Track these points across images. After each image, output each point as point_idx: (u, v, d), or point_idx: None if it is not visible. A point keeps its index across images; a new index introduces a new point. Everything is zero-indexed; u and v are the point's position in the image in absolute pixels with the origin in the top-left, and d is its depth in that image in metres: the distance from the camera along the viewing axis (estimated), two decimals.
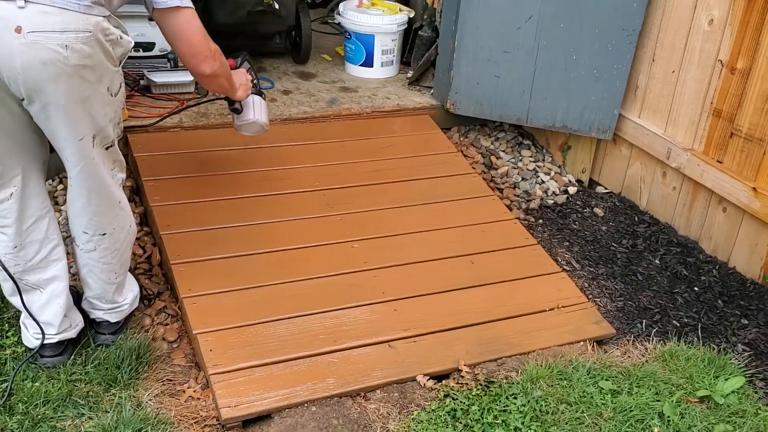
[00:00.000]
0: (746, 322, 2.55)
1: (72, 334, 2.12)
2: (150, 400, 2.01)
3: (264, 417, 1.99)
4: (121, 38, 1.82)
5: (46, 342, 2.06)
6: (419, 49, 3.74)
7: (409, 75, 3.75)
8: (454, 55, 3.23)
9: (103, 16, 1.75)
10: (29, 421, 1.89)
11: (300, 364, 2.12)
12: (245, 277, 2.39)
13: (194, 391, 2.08)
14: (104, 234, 2.02)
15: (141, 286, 2.32)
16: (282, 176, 2.94)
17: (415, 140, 3.28)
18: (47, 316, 2.04)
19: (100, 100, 1.81)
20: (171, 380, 2.12)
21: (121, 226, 2.07)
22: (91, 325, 2.20)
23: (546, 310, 2.46)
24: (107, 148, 1.93)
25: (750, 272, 2.75)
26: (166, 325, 2.33)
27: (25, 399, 1.94)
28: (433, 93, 3.57)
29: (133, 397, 2.01)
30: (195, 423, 1.97)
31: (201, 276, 2.37)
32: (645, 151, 3.13)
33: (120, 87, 1.89)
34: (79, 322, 2.15)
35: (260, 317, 2.25)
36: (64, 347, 2.11)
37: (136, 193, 2.88)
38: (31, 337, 2.08)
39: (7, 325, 2.18)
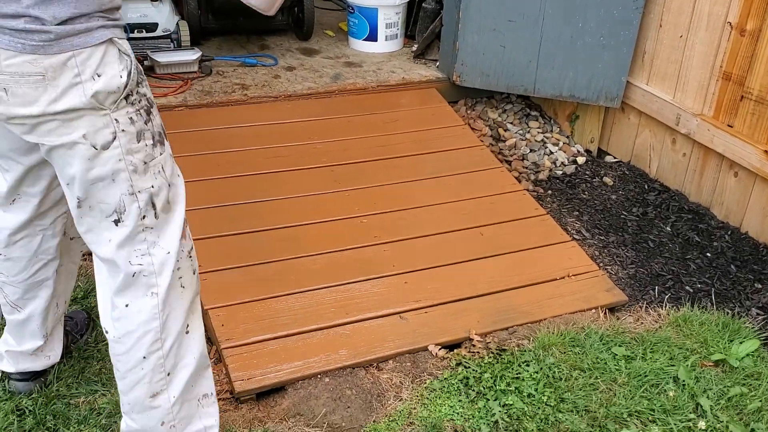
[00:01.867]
0: (760, 286, 2.53)
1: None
2: None
3: (278, 389, 2.00)
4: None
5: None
6: (423, 22, 3.71)
7: (414, 48, 3.72)
8: (458, 25, 3.20)
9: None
10: (43, 399, 1.90)
11: (312, 337, 2.12)
12: (255, 253, 2.39)
13: None
14: None
15: None
16: (288, 153, 2.93)
17: (422, 114, 3.26)
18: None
19: None
20: None
21: None
22: None
23: (557, 279, 2.45)
24: None
25: (763, 236, 2.72)
26: None
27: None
28: (438, 66, 3.54)
29: None
30: None
31: (210, 253, 2.37)
32: (654, 118, 3.10)
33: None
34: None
35: (271, 292, 2.25)
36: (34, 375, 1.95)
37: None
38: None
39: None
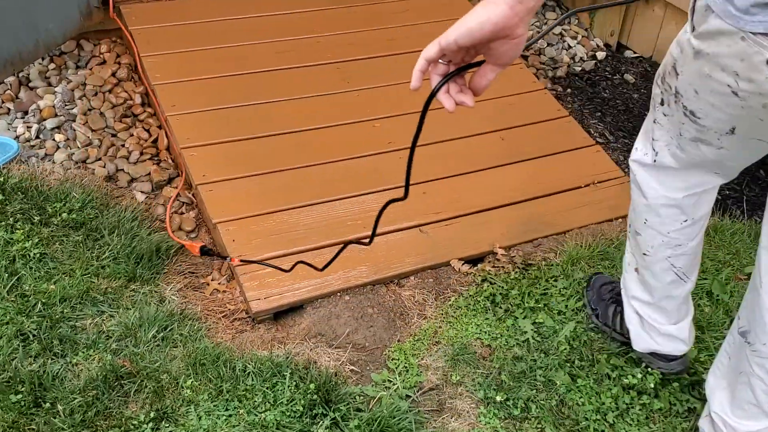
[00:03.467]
0: None
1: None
2: (174, 295, 1.90)
3: (296, 308, 1.90)
4: None
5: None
6: None
7: None
8: None
9: None
10: (47, 322, 1.78)
11: (329, 253, 2.00)
12: (262, 161, 2.23)
13: (219, 284, 1.97)
14: None
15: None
16: (289, 48, 2.70)
17: (433, 4, 3.01)
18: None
19: None
20: (193, 273, 2.01)
21: None
22: None
23: (581, 187, 2.32)
24: None
25: None
26: (182, 214, 2.19)
27: (43, 299, 1.82)
28: None
29: (155, 292, 1.90)
30: (223, 317, 1.88)
31: (214, 161, 2.20)
32: (682, 9, 2.88)
33: None
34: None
35: (282, 204, 2.11)
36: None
37: (134, 70, 2.65)
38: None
39: (12, 219, 2.03)
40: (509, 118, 2.52)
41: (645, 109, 2.81)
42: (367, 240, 1.42)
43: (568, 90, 2.89)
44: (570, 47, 3.09)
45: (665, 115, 1.38)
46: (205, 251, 2.00)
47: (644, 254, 1.57)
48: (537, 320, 1.87)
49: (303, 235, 2.03)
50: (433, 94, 0.99)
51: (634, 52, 3.19)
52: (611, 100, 2.85)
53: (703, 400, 1.65)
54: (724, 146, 1.31)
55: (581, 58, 3.06)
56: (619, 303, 1.79)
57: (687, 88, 1.26)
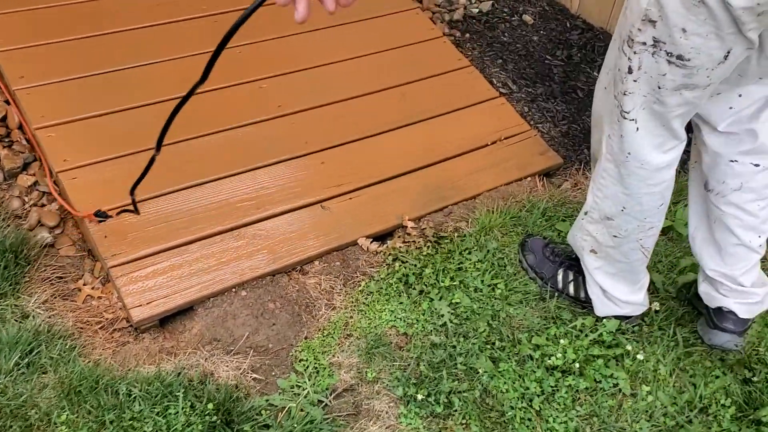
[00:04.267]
0: None
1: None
2: (38, 308, 1.63)
3: (185, 311, 1.67)
4: None
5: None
6: None
7: None
8: None
9: None
10: None
11: (220, 241, 1.77)
12: (133, 138, 1.93)
13: (92, 288, 1.71)
14: None
15: None
16: (158, 1, 2.37)
17: None
18: None
19: None
20: (61, 278, 1.73)
21: None
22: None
23: (488, 145, 2.18)
24: None
25: None
26: (42, 206, 1.88)
27: None
28: None
29: (15, 307, 1.62)
30: (100, 329, 1.63)
31: (77, 142, 1.90)
32: None
33: None
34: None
35: (161, 188, 1.84)
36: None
37: None
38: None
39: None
40: (408, 71, 2.33)
41: (546, 52, 2.68)
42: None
43: (467, 35, 2.71)
44: None
45: (636, 81, 1.32)
46: (100, 215, 1.71)
47: (615, 236, 1.58)
48: (453, 300, 1.74)
49: (187, 223, 1.78)
50: None
51: None
52: (511, 44, 2.70)
53: (630, 375, 1.59)
54: (713, 81, 1.28)
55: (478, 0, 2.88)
56: (568, 267, 1.78)
57: (671, 31, 1.21)
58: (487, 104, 2.31)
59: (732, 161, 1.48)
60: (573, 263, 1.78)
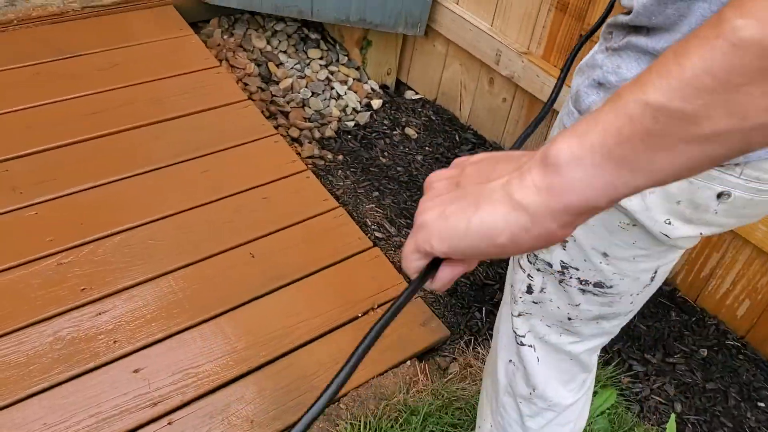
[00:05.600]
0: None
1: None
2: None
3: None
4: None
5: None
6: None
7: None
8: None
9: None
10: None
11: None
12: None
13: None
14: None
15: None
16: None
17: (155, 51, 2.28)
18: None
19: None
20: None
21: None
22: None
23: (359, 317, 1.77)
24: None
25: None
26: None
27: None
28: None
29: None
30: None
31: None
32: (466, 50, 2.40)
33: None
34: None
35: None
36: None
37: None
38: None
39: None
40: (261, 222, 1.89)
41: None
42: None
43: (339, 157, 2.31)
44: (340, 96, 2.51)
45: (536, 303, 1.00)
46: None
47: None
48: None
49: None
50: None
51: (416, 92, 2.68)
52: (391, 167, 2.32)
53: None
54: (636, 306, 0.99)
55: (354, 109, 2.50)
56: None
57: (588, 255, 0.91)
58: (358, 259, 1.91)
59: None
60: None
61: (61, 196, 1.80)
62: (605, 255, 0.90)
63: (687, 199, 0.79)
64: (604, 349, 1.88)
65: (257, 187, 1.98)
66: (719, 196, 0.78)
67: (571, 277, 0.94)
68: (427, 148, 2.43)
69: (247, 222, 1.89)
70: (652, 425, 1.72)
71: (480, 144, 2.47)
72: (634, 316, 1.97)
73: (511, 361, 1.10)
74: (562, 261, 0.94)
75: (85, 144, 1.95)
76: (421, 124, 2.52)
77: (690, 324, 1.99)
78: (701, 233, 0.84)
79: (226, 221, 1.87)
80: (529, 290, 1.00)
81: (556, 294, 0.97)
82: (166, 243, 1.78)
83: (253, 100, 2.32)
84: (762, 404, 1.81)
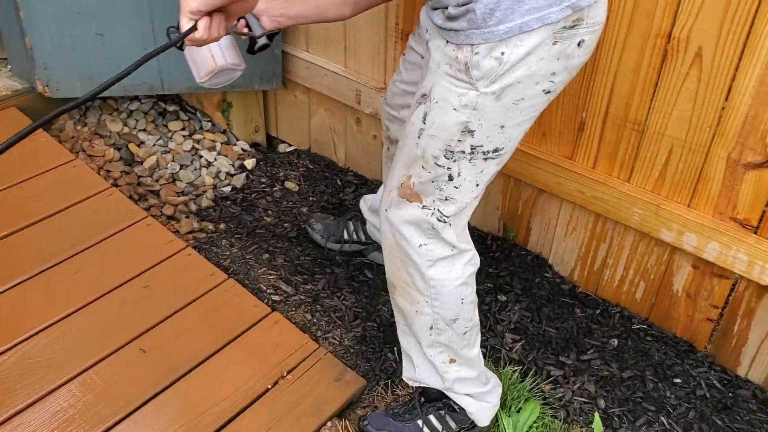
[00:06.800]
0: (504, 298, 2.06)
1: None
2: None
3: None
4: None
5: None
6: None
7: None
8: (20, 11, 2.09)
9: None
10: None
11: None
12: None
13: None
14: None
15: None
16: None
17: (4, 157, 2.14)
18: None
19: None
20: None
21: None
22: None
23: (269, 389, 1.70)
24: None
25: (486, 227, 2.25)
26: None
27: None
28: (11, 69, 2.39)
29: None
30: None
31: None
32: (327, 95, 2.39)
33: None
34: None
35: None
36: None
37: None
38: None
39: None
40: (147, 314, 1.79)
41: None
42: None
43: (222, 225, 2.24)
44: (210, 163, 2.44)
45: (457, 188, 1.33)
46: None
47: (464, 333, 1.52)
48: None
49: None
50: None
51: (290, 144, 2.65)
52: (277, 226, 2.26)
53: None
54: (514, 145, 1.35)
55: (228, 174, 2.44)
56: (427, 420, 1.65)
57: (489, 132, 1.26)
58: (258, 327, 1.83)
59: None
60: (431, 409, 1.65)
61: None
62: (502, 127, 1.25)
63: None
64: (520, 362, 1.88)
65: (137, 276, 1.88)
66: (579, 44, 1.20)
67: (477, 153, 1.28)
68: (310, 198, 2.40)
69: (133, 315, 1.78)
70: (581, 428, 1.72)
71: (362, 184, 2.46)
72: (542, 322, 1.98)
73: (423, 245, 1.38)
74: (471, 145, 1.26)
75: None
76: (300, 175, 2.49)
77: (595, 317, 2.02)
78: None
79: (110, 320, 1.76)
80: (450, 178, 1.31)
81: (467, 170, 1.29)
82: (48, 358, 1.65)
83: (118, 185, 2.22)
84: (678, 380, 1.85)
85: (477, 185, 1.34)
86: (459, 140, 1.27)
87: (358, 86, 2.26)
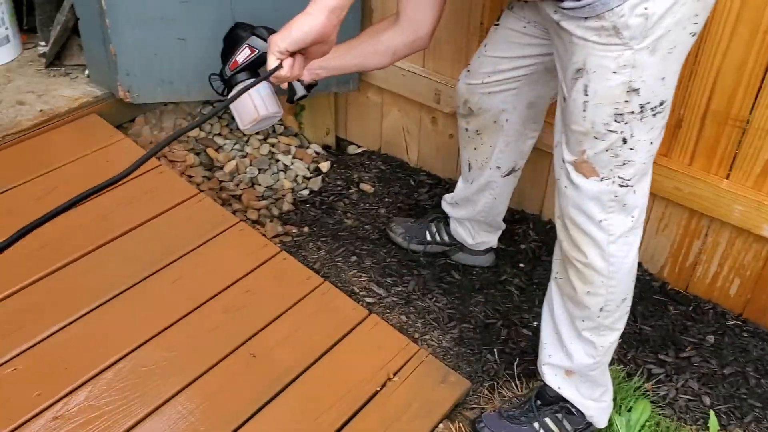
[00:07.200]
0: None
1: None
2: None
3: None
4: None
5: None
6: (42, 8, 2.49)
7: (42, 49, 2.50)
8: (104, 16, 2.10)
9: None
10: None
11: None
12: None
13: None
14: None
15: None
16: None
17: (89, 164, 2.15)
18: None
19: None
20: None
21: None
22: None
23: (378, 392, 1.70)
24: None
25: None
26: None
27: None
28: (90, 76, 2.40)
29: None
30: None
31: None
32: (403, 95, 2.39)
33: None
34: None
35: None
36: None
37: None
38: None
39: None
40: (251, 318, 1.79)
41: None
42: None
43: (305, 229, 2.24)
44: (287, 167, 2.44)
45: (632, 149, 1.35)
46: None
47: (625, 314, 1.55)
48: None
49: None
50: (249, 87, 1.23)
51: (358, 146, 2.65)
52: (359, 228, 2.27)
53: None
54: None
55: (304, 177, 2.44)
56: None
57: (653, 86, 1.29)
58: (359, 330, 1.84)
59: None
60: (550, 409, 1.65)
61: (34, 345, 1.65)
62: (663, 79, 1.28)
63: None
64: (620, 361, 1.87)
65: (237, 281, 1.88)
66: None
67: (646, 111, 1.29)
68: (386, 199, 2.40)
69: (237, 321, 1.78)
70: (690, 426, 1.72)
71: (437, 184, 2.46)
72: (637, 321, 1.98)
73: (603, 220, 1.39)
74: (639, 104, 1.28)
75: (41, 283, 1.80)
76: (374, 176, 2.49)
77: (689, 314, 2.01)
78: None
79: (214, 327, 1.76)
80: (624, 141, 1.33)
81: (640, 131, 1.32)
82: (160, 366, 1.66)
83: (202, 191, 2.23)
84: None
85: (651, 143, 1.36)
86: (626, 101, 1.28)
87: (438, 86, 2.26)
